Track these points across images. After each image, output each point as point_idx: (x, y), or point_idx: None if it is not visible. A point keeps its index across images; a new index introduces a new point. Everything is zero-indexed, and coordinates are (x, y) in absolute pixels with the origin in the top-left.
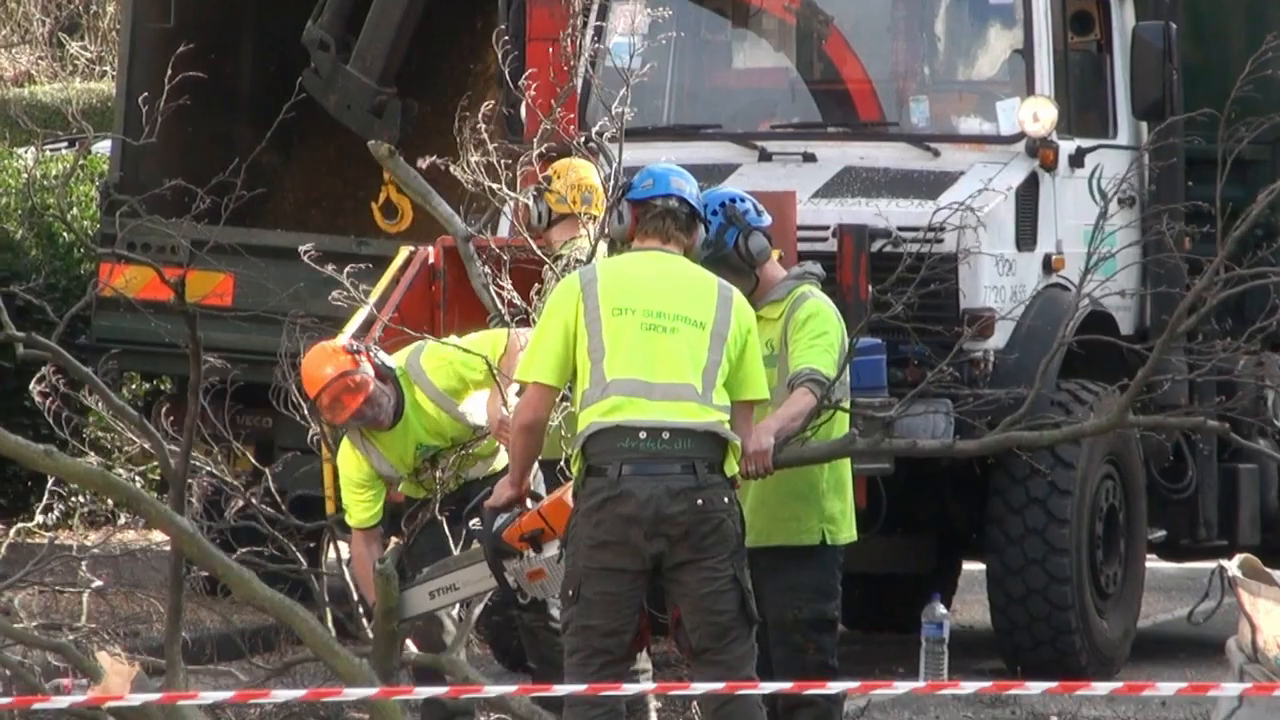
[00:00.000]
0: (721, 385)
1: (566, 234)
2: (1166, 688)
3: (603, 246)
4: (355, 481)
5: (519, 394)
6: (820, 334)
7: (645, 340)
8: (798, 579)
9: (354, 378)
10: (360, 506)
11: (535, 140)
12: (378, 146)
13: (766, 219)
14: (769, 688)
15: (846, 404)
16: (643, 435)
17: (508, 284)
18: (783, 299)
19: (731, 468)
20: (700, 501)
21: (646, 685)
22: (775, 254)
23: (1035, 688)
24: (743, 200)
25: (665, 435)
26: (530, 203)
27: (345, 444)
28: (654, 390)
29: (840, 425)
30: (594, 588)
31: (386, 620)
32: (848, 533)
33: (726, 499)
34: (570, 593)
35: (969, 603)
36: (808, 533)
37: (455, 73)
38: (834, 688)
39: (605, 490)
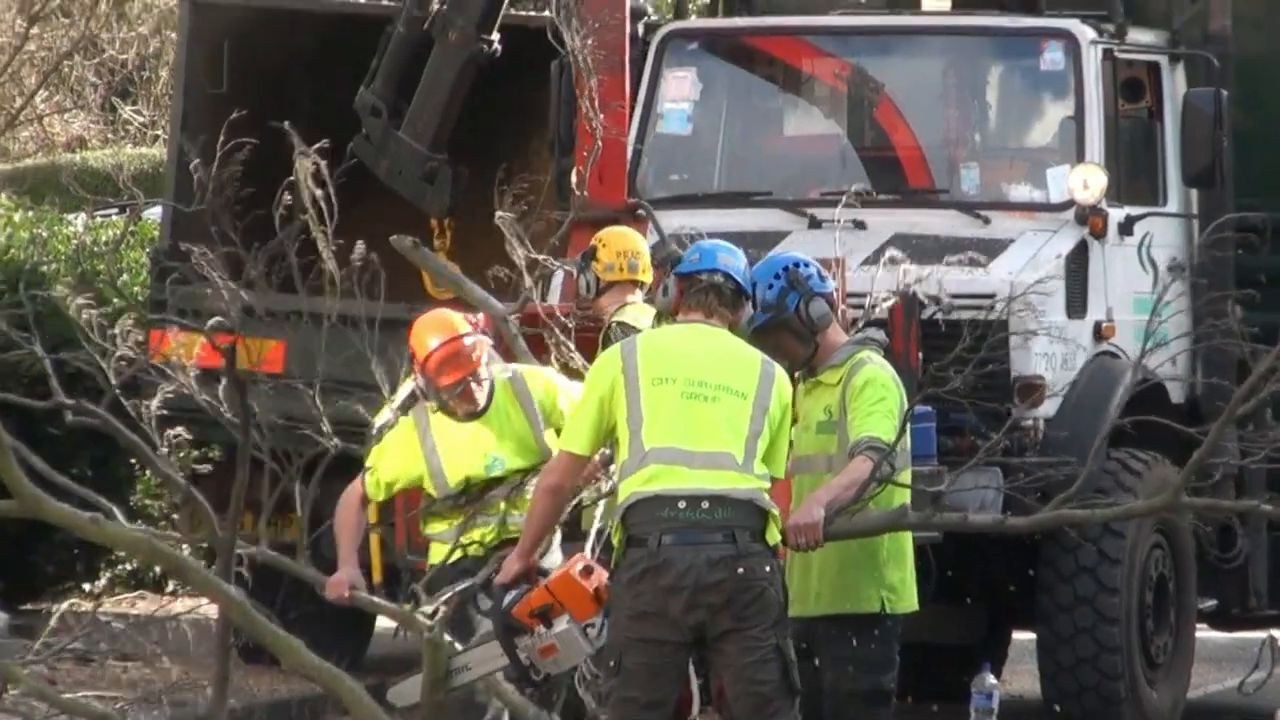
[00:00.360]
0: (762, 456)
1: (615, 301)
2: None
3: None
4: (390, 449)
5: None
6: (879, 400)
7: (685, 409)
8: (854, 650)
9: (471, 343)
10: (377, 472)
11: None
12: (401, 240)
13: (830, 284)
14: None
15: (908, 473)
16: (682, 504)
17: (567, 348)
18: (841, 364)
19: (773, 536)
20: (741, 570)
21: None
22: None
23: None
24: (806, 265)
25: (705, 504)
26: (576, 272)
27: (407, 421)
28: (694, 459)
29: (900, 494)
30: (634, 659)
31: (434, 690)
32: (907, 602)
33: (768, 568)
34: (611, 664)
35: (1019, 672)
36: (867, 601)
37: (510, 140)
38: None
39: (645, 561)
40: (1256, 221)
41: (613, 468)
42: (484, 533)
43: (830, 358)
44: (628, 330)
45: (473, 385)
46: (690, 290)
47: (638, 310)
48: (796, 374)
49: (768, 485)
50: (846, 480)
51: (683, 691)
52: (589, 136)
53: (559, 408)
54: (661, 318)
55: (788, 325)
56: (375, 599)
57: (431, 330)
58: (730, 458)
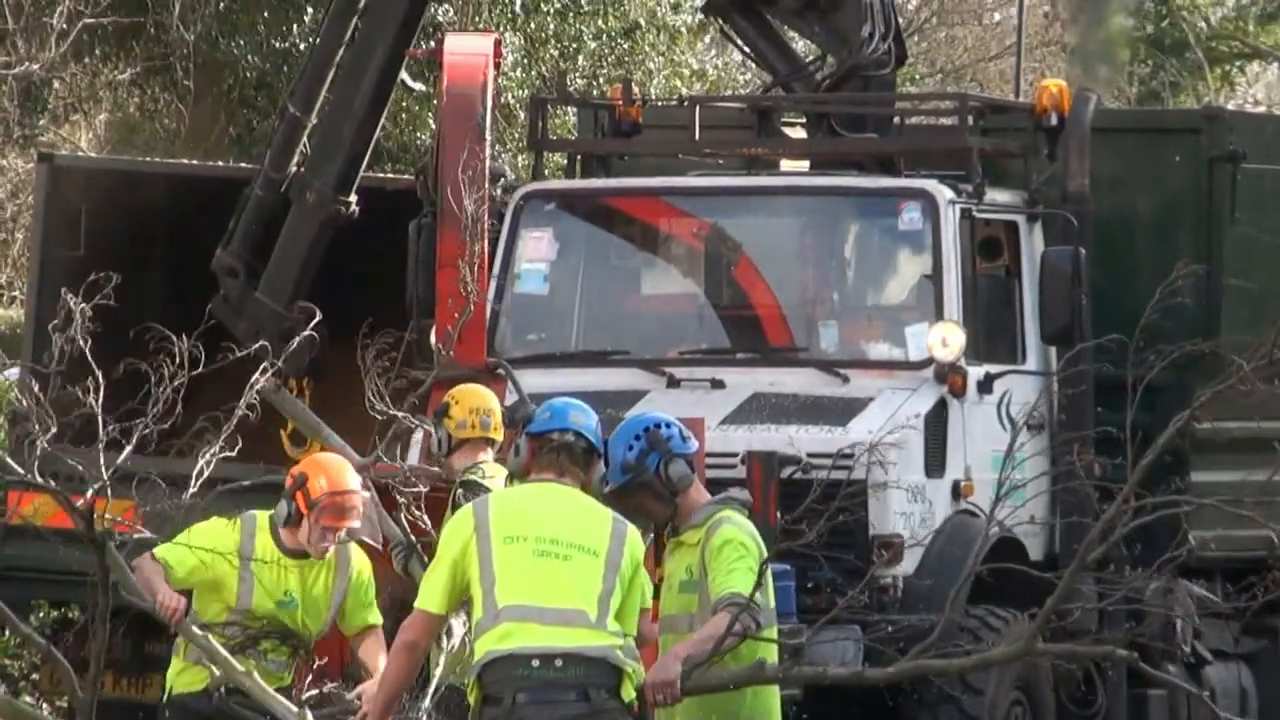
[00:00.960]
0: (615, 613)
1: (467, 459)
2: None
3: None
4: (205, 539)
5: None
6: (738, 557)
7: (537, 567)
8: None
9: (364, 502)
10: (177, 550)
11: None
12: (267, 386)
13: (692, 445)
14: None
15: (773, 629)
16: (535, 663)
17: (408, 515)
18: (701, 524)
19: (628, 693)
20: None
21: None
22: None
23: None
24: (668, 426)
25: (558, 662)
26: (431, 429)
27: (230, 524)
28: (546, 615)
29: (766, 650)
30: None
31: None
32: None
33: None
34: None
35: None
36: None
37: (367, 300)
38: None
39: (501, 718)
40: (1117, 377)
41: (463, 625)
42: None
43: (691, 517)
44: (474, 490)
45: (348, 538)
46: (542, 450)
47: (489, 469)
48: (664, 533)
49: (621, 642)
50: (704, 635)
51: None
52: (458, 298)
53: (365, 597)
54: (513, 478)
55: (648, 486)
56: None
57: (345, 472)
58: (583, 615)
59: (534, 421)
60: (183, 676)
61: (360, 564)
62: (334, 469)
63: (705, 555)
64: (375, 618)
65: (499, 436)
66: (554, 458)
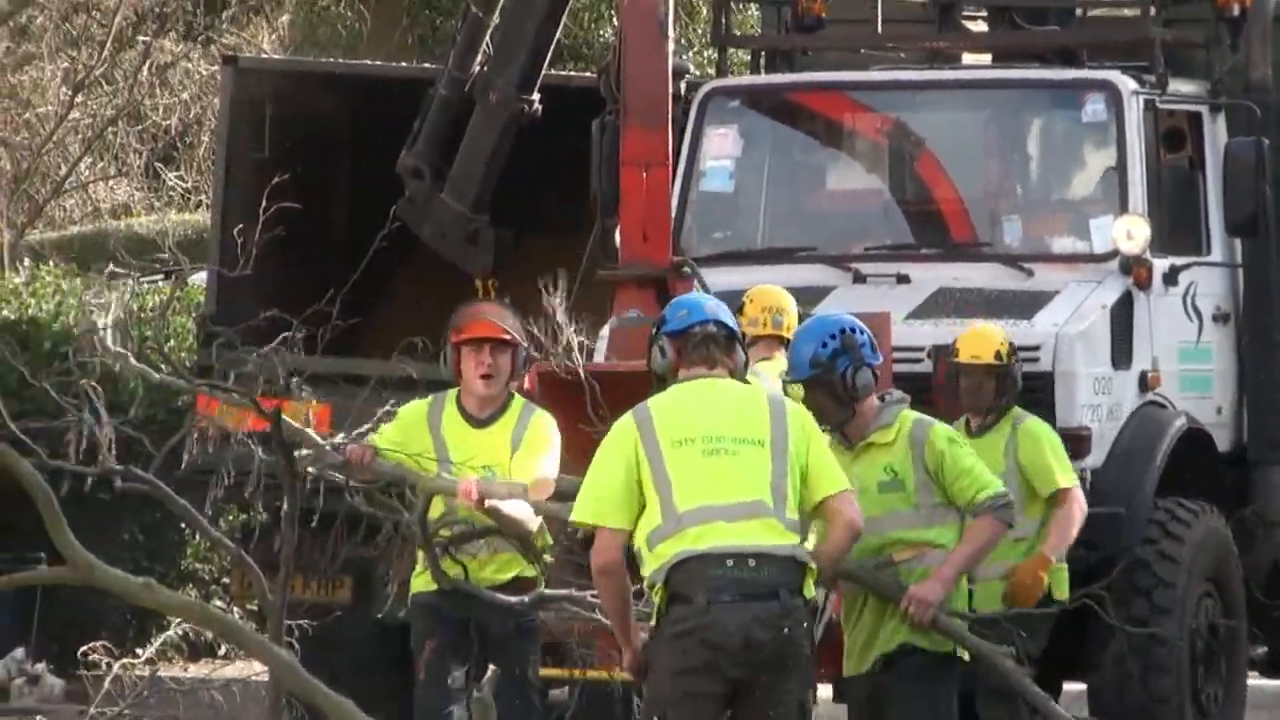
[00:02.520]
0: (793, 499)
1: (759, 356)
2: None
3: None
4: (400, 425)
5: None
6: (968, 454)
7: (709, 465)
8: (926, 696)
9: (512, 324)
10: (385, 432)
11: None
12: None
13: (879, 358)
14: None
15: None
16: (730, 563)
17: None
18: (892, 424)
19: (809, 590)
20: (786, 629)
21: None
22: None
23: None
24: (862, 332)
25: (751, 562)
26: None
27: (420, 402)
28: (729, 512)
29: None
30: (679, 713)
31: None
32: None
33: (805, 624)
34: (655, 719)
35: None
36: (941, 644)
37: (554, 199)
38: None
39: (694, 618)
40: None
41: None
42: (484, 562)
43: (875, 419)
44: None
45: (493, 360)
46: (688, 346)
47: (763, 367)
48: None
49: (798, 536)
50: (976, 545)
51: None
52: (634, 193)
53: (535, 445)
54: (664, 379)
55: (830, 386)
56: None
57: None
58: (763, 505)
59: (671, 320)
60: (420, 579)
61: (540, 416)
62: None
63: (921, 454)
64: (540, 470)
65: (790, 335)
66: (703, 351)
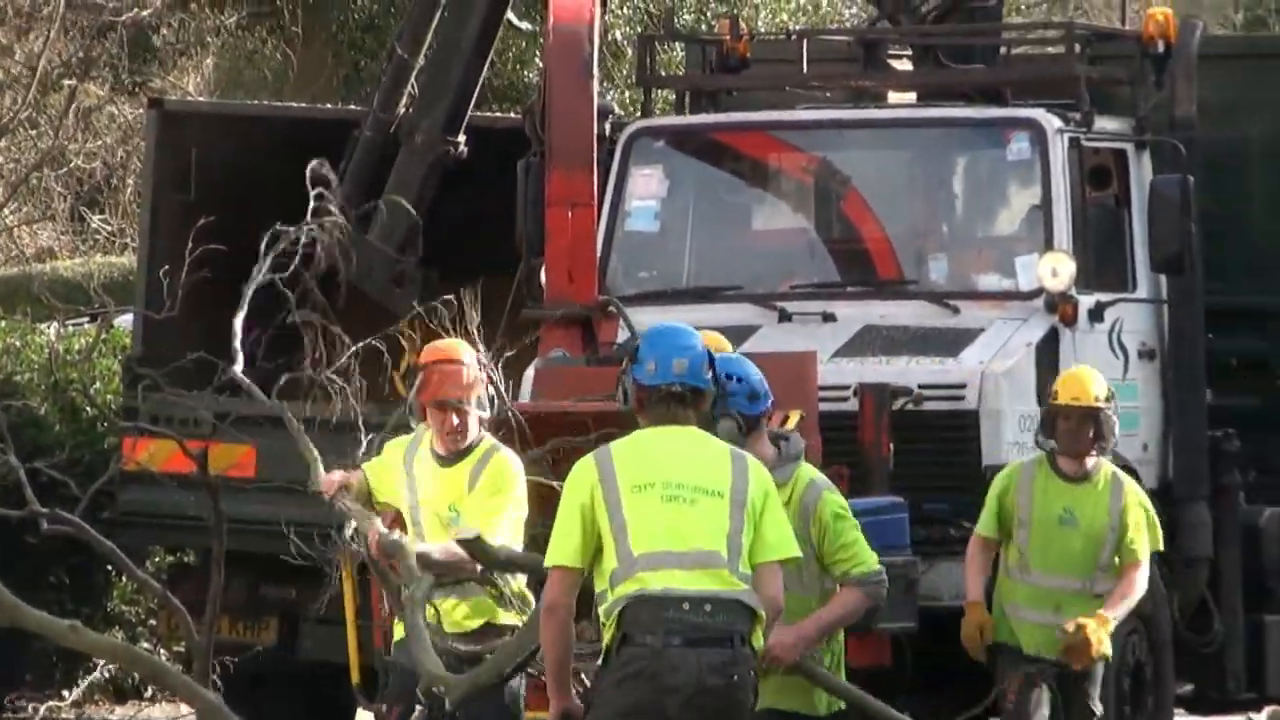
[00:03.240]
0: (746, 553)
1: None
2: None
3: None
4: (381, 458)
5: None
6: (853, 527)
7: (667, 511)
8: None
9: (470, 376)
10: (372, 464)
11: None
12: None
13: (759, 407)
14: None
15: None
16: (685, 606)
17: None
18: (788, 482)
19: (758, 639)
20: (735, 677)
21: None
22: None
23: None
24: (742, 380)
25: (707, 607)
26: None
27: (399, 440)
28: (684, 559)
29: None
30: None
31: None
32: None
33: (752, 672)
34: None
35: None
36: (819, 703)
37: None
38: None
39: (646, 660)
40: (1228, 305)
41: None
42: (454, 605)
43: (773, 474)
44: None
45: (456, 414)
46: (650, 400)
47: None
48: None
49: (749, 588)
50: (841, 612)
51: None
52: (559, 233)
53: (492, 487)
54: (624, 416)
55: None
56: (357, 507)
57: (446, 346)
58: (717, 556)
59: (640, 369)
60: (399, 626)
61: (501, 458)
62: (436, 345)
63: (809, 520)
64: (489, 521)
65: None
66: (663, 410)
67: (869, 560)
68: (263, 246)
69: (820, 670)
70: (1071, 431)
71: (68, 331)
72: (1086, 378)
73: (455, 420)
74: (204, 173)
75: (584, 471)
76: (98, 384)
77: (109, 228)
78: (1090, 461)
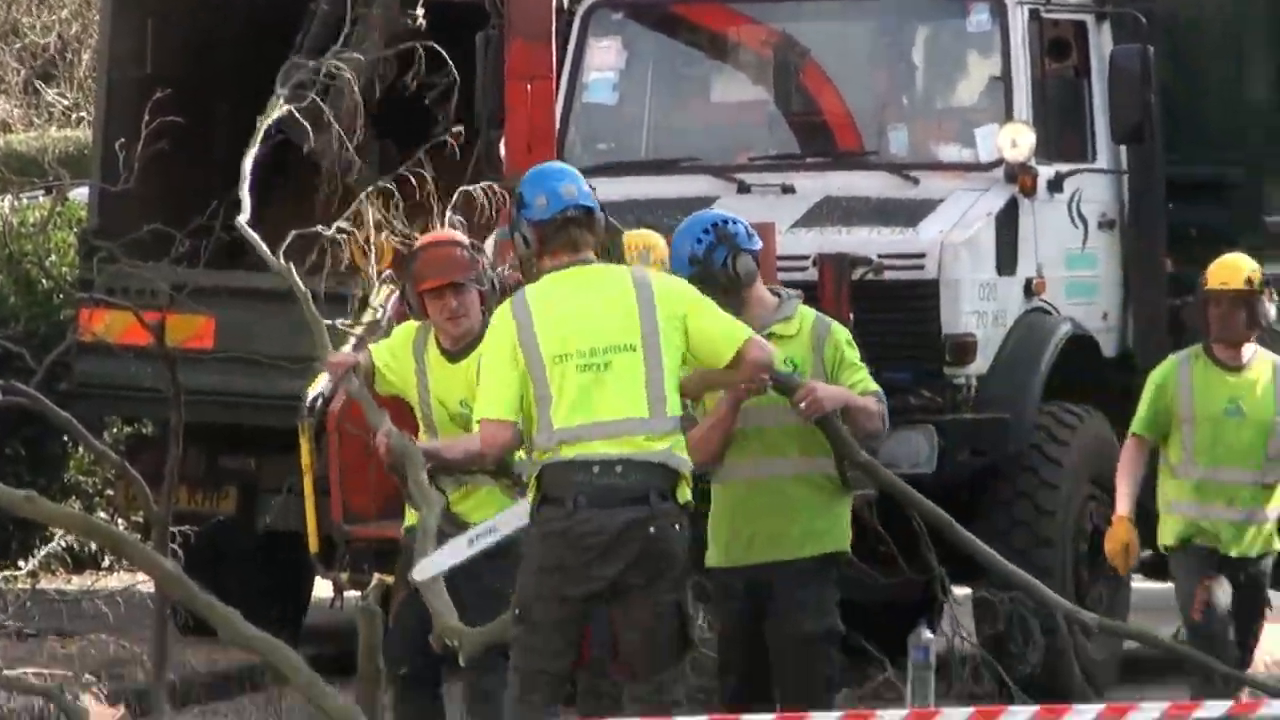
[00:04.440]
0: (673, 396)
1: None
2: (1151, 708)
3: None
4: (390, 345)
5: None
6: (860, 358)
7: (585, 384)
8: (803, 595)
9: (465, 255)
10: (378, 349)
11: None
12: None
13: (758, 243)
14: None
15: None
16: (595, 469)
17: None
18: (793, 316)
19: (684, 495)
20: (653, 531)
21: None
22: None
23: (1019, 712)
24: (735, 222)
25: (618, 469)
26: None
27: (407, 327)
28: (601, 430)
29: None
30: (542, 611)
31: (370, 658)
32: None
33: (677, 526)
34: (518, 613)
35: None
36: (837, 540)
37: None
38: (817, 718)
39: (561, 520)
40: (1188, 175)
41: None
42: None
43: (773, 312)
44: None
45: (454, 296)
46: (549, 233)
47: None
48: None
49: (679, 435)
50: (865, 405)
51: (582, 642)
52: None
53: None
54: (527, 264)
55: (714, 280)
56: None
57: (438, 235)
58: (637, 422)
59: (530, 209)
60: (411, 513)
61: None
62: (422, 240)
63: (822, 349)
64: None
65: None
66: (565, 236)
67: (875, 384)
68: (279, 80)
69: (844, 432)
70: (1223, 317)
71: (23, 204)
72: (1235, 262)
73: (454, 303)
74: (160, 45)
75: (505, 328)
76: (53, 256)
77: (64, 101)
78: (1248, 349)
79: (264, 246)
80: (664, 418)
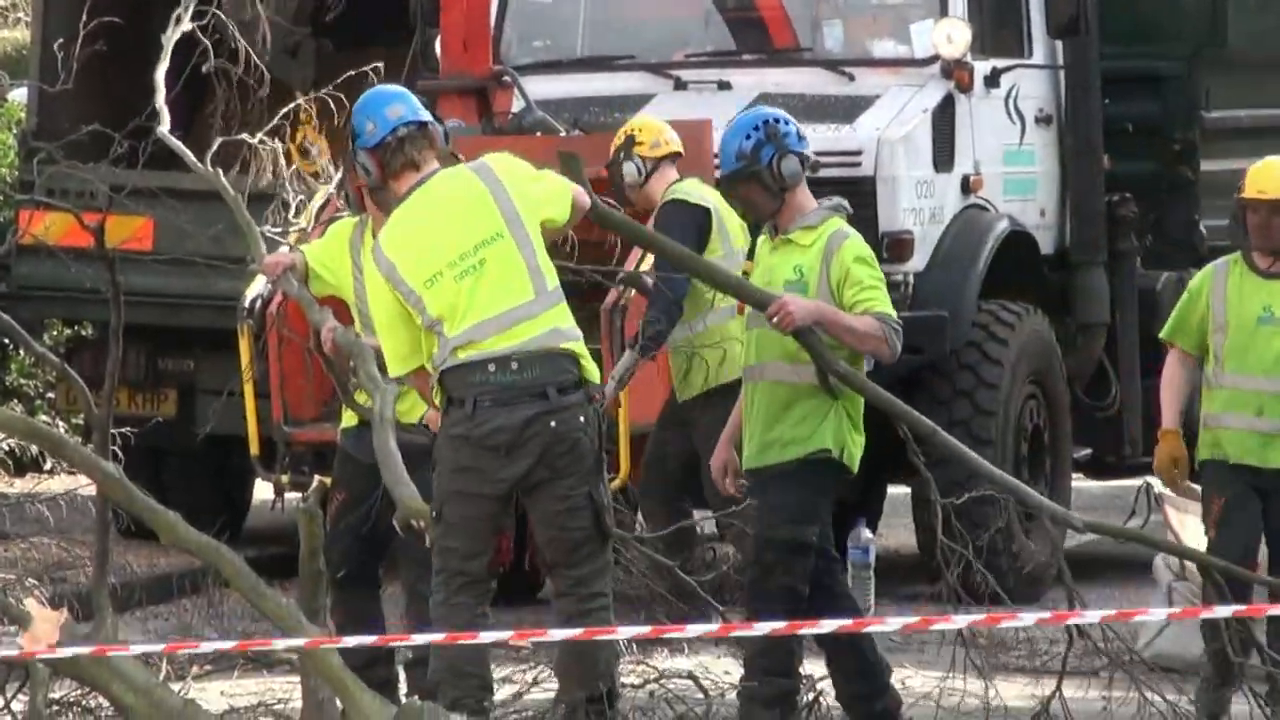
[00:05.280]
0: (548, 266)
1: (664, 180)
2: (1093, 615)
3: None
4: (326, 241)
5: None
6: (877, 279)
7: (464, 289)
8: (779, 499)
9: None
10: (312, 247)
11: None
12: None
13: (807, 145)
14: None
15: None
16: (491, 368)
17: None
18: (815, 226)
19: (590, 370)
20: (554, 424)
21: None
22: None
23: (960, 621)
24: (787, 123)
25: (513, 365)
26: (627, 163)
27: (343, 224)
28: (494, 324)
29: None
30: (455, 511)
31: (311, 559)
32: (850, 463)
33: (582, 418)
34: (434, 513)
35: (894, 527)
36: (812, 442)
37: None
38: (760, 628)
39: (463, 422)
40: (1123, 70)
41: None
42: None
43: (802, 218)
44: (686, 208)
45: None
46: (388, 156)
47: (690, 185)
48: (764, 228)
49: (565, 309)
50: (858, 325)
51: (499, 542)
52: (453, 3)
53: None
54: (379, 195)
55: (758, 178)
56: (305, 293)
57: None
58: (523, 308)
59: (361, 135)
60: (346, 414)
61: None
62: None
63: (829, 262)
64: None
65: (680, 149)
66: (404, 156)
67: (885, 304)
68: None
69: (822, 344)
70: (1262, 225)
71: None
72: (1272, 169)
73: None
74: None
75: (377, 282)
76: None
77: (1, 1)
78: None
79: (188, 153)
80: (546, 293)
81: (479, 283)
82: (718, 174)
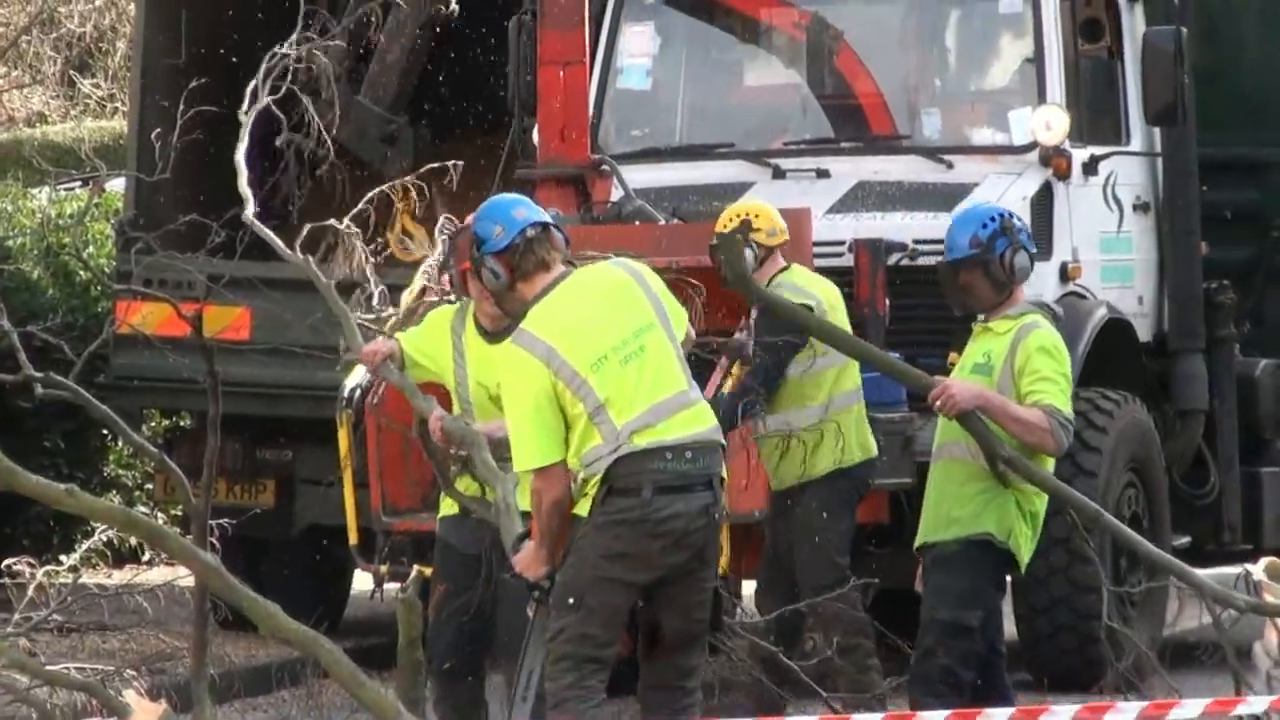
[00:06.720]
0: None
1: (775, 266)
2: (1193, 705)
3: None
4: (426, 327)
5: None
6: (1059, 373)
7: (630, 373)
8: (944, 580)
9: None
10: (410, 334)
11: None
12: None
13: (1033, 248)
14: None
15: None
16: (669, 456)
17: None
18: (1015, 317)
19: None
20: (716, 517)
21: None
22: None
23: (1062, 712)
24: (1019, 219)
25: (688, 454)
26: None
27: (445, 310)
28: (663, 410)
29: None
30: (599, 598)
31: (410, 650)
32: (1021, 555)
33: (724, 508)
34: (570, 600)
35: None
36: (975, 524)
37: (471, 101)
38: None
39: (637, 509)
40: (1223, 157)
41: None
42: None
43: (1006, 309)
44: (800, 293)
45: None
46: (517, 259)
47: (797, 275)
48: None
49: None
50: (1024, 415)
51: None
52: (551, 92)
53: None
54: (505, 299)
55: (987, 268)
56: (408, 382)
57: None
58: (682, 396)
59: (489, 242)
60: (445, 502)
61: None
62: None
63: (1016, 350)
64: None
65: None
66: (533, 259)
67: (1059, 398)
68: (261, 69)
69: (985, 429)
70: None
71: (60, 196)
72: None
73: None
74: (195, 35)
75: (530, 367)
76: (90, 248)
77: (100, 91)
78: None
79: (276, 239)
80: (694, 386)
81: (643, 368)
82: (939, 259)
